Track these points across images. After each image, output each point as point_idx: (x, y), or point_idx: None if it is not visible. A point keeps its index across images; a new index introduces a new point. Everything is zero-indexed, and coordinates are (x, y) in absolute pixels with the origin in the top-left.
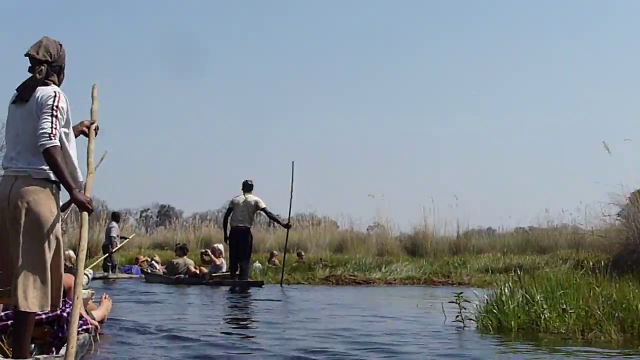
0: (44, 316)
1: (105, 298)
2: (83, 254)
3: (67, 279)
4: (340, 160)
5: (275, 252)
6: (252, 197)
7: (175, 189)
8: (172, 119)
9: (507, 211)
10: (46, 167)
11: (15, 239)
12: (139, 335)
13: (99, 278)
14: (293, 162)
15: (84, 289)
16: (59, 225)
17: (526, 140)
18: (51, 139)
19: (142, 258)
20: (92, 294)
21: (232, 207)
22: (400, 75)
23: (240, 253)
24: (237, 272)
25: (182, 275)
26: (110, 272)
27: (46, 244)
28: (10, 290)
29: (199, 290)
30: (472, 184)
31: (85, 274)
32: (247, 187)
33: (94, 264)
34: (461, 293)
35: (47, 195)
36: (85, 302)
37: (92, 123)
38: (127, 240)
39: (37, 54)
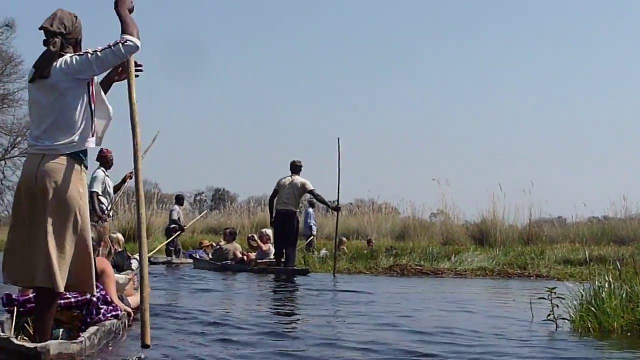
0: (73, 300)
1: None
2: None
3: (101, 262)
4: (404, 145)
5: (344, 238)
6: (298, 179)
7: (230, 172)
8: (230, 101)
9: (579, 199)
10: (75, 140)
11: (40, 218)
12: (173, 322)
13: (162, 263)
14: (339, 140)
15: (121, 274)
16: (86, 207)
17: (602, 127)
18: (134, 41)
19: (206, 242)
20: (130, 279)
21: (277, 189)
22: (470, 57)
23: (285, 238)
24: (283, 259)
25: (229, 262)
26: (174, 256)
27: (71, 225)
28: (26, 274)
29: (244, 277)
30: (543, 171)
31: (134, 258)
32: (295, 169)
33: (157, 248)
34: (554, 288)
35: (76, 174)
36: (122, 287)
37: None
38: (199, 218)
39: (51, 26)
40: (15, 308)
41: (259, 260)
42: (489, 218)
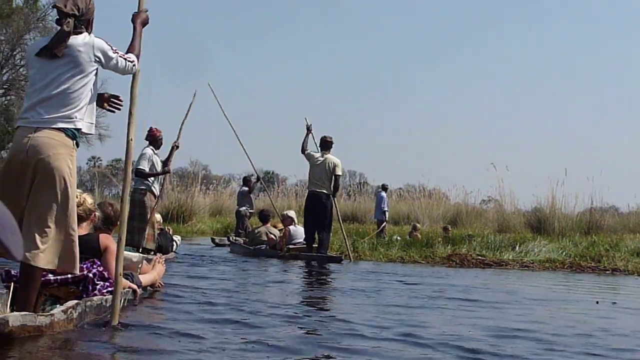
0: (69, 276)
1: (157, 262)
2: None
3: (105, 239)
4: (458, 130)
5: (417, 224)
6: (332, 158)
7: (279, 155)
8: (280, 85)
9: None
10: (73, 116)
11: (28, 192)
12: (178, 303)
13: (222, 245)
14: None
15: (136, 253)
16: (74, 183)
17: None
18: (134, 64)
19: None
20: (144, 258)
21: (308, 161)
22: (534, 40)
23: (317, 222)
24: (316, 245)
25: (264, 246)
26: (239, 238)
27: (59, 200)
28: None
29: (275, 262)
30: (605, 158)
31: (174, 240)
32: (326, 145)
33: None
34: None
35: (67, 150)
36: (135, 265)
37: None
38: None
39: (65, 6)
40: (13, 284)
41: (290, 246)
42: (546, 205)
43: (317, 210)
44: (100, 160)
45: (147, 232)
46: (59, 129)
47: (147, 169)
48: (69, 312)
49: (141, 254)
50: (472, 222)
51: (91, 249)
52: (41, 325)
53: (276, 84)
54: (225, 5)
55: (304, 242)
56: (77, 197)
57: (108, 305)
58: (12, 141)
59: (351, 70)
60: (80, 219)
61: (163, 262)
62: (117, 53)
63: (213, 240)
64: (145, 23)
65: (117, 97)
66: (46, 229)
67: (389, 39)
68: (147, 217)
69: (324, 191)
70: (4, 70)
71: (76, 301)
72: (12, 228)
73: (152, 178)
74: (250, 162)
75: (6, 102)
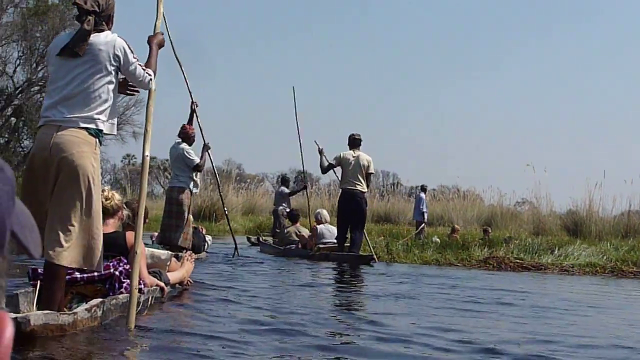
0: (96, 274)
1: (187, 260)
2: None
3: (132, 237)
4: (492, 131)
5: (457, 226)
6: (364, 156)
7: (313, 155)
8: (318, 82)
9: None
10: (94, 117)
11: (52, 189)
12: (204, 302)
13: (257, 244)
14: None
15: (164, 250)
16: (98, 181)
17: None
18: (152, 79)
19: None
20: (172, 255)
21: (338, 164)
22: (571, 41)
23: (351, 221)
24: (347, 244)
25: (294, 246)
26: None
27: (83, 198)
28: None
29: (305, 262)
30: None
31: (206, 239)
32: (355, 143)
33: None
34: None
35: (91, 148)
36: (164, 262)
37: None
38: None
39: (85, 3)
40: (39, 282)
41: (320, 245)
42: (583, 208)
43: (352, 209)
44: (135, 157)
45: (184, 230)
46: (81, 128)
47: (199, 160)
48: (93, 311)
49: (169, 252)
50: (506, 224)
51: (118, 247)
52: (64, 324)
53: (313, 84)
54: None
55: (334, 242)
56: (105, 192)
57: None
58: (35, 139)
59: (386, 69)
60: (108, 215)
61: (192, 260)
62: (137, 60)
63: (249, 239)
64: (161, 45)
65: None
66: (70, 227)
67: (426, 36)
68: (185, 215)
69: (359, 189)
70: (40, 67)
71: (100, 299)
72: (30, 226)
73: (191, 176)
74: (303, 166)
75: (41, 98)
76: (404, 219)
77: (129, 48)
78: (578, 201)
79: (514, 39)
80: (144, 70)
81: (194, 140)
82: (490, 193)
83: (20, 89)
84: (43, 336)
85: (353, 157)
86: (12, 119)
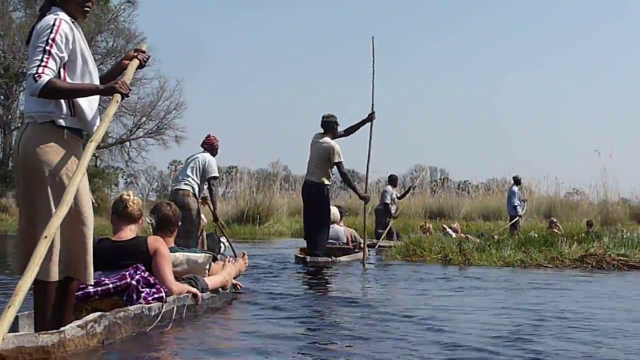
0: (111, 286)
1: (228, 261)
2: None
3: (155, 242)
4: (541, 120)
5: (554, 219)
6: (323, 143)
7: (360, 153)
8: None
9: None
10: (50, 109)
11: (21, 194)
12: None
13: (369, 246)
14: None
15: (202, 254)
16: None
17: None
18: (36, 81)
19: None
20: (209, 258)
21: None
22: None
23: (312, 217)
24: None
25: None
26: (385, 239)
27: (50, 201)
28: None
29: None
30: None
31: (222, 241)
32: (325, 125)
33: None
34: None
35: (56, 144)
36: (202, 267)
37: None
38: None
39: None
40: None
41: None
42: None
43: (305, 202)
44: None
45: (198, 236)
46: (42, 123)
47: (217, 174)
48: (88, 327)
49: (208, 254)
50: (567, 215)
51: (139, 253)
52: (46, 346)
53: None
54: None
55: (333, 243)
56: (128, 197)
57: (153, 314)
58: None
59: (435, 65)
60: (131, 220)
61: (233, 261)
62: (47, 50)
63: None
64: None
65: (141, 51)
66: (33, 234)
67: (482, 28)
68: (194, 220)
69: (313, 179)
70: None
71: (99, 313)
72: None
73: (199, 182)
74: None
75: None
76: (458, 214)
77: (48, 29)
78: None
79: (584, 23)
80: (39, 62)
81: (217, 152)
82: (546, 183)
83: None
84: None
85: (313, 142)
86: None
